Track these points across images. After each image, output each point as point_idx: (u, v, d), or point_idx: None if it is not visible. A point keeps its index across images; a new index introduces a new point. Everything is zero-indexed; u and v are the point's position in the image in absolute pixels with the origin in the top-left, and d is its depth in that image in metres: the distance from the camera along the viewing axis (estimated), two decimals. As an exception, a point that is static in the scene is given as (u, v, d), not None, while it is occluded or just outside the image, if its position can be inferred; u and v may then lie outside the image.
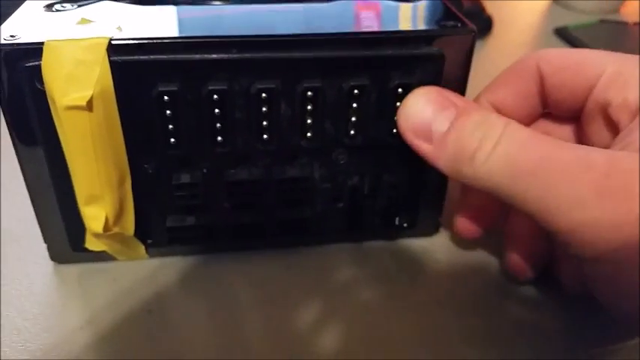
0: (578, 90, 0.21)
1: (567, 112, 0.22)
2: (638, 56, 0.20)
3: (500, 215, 0.24)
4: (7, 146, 0.21)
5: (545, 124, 0.23)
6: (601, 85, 0.20)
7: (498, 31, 0.48)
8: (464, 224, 0.24)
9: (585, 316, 0.22)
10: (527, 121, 0.22)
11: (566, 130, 0.22)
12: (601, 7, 0.54)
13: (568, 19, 0.51)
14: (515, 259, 0.23)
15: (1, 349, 0.20)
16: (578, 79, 0.21)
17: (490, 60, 0.45)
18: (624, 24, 0.51)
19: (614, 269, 0.17)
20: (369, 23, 0.21)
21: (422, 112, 0.20)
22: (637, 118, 0.18)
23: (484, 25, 0.47)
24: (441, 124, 0.19)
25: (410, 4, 0.23)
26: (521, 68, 0.22)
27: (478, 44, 0.47)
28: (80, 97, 0.18)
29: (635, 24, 0.51)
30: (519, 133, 0.18)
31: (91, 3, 0.22)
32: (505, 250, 0.24)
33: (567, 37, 0.48)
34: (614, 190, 0.16)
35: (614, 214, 0.16)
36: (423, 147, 0.20)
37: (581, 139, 0.22)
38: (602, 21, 0.51)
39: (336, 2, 0.23)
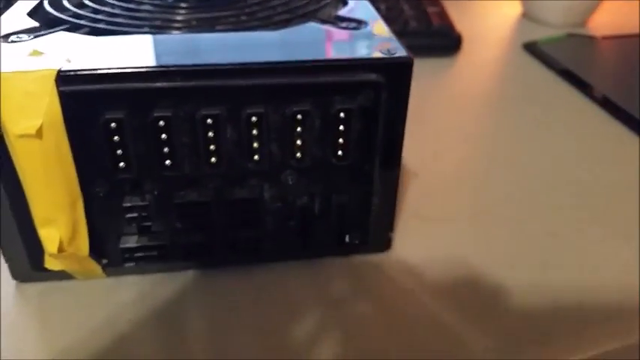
0: None
1: None
2: None
3: None
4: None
5: None
6: None
7: (468, 48, 0.49)
8: None
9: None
10: None
11: None
12: (568, 20, 0.55)
13: (537, 34, 0.52)
14: None
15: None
16: None
17: (461, 77, 0.46)
18: (592, 38, 0.52)
19: None
20: (312, 51, 0.22)
21: None
22: None
23: (453, 42, 0.48)
24: None
25: (353, 32, 0.24)
26: None
27: (448, 61, 0.49)
28: (30, 126, 0.19)
29: (603, 38, 0.52)
30: None
31: (46, 34, 0.23)
32: None
33: (536, 52, 0.49)
34: None
35: None
36: None
37: None
38: (570, 35, 0.52)
39: (281, 31, 0.24)
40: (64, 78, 0.19)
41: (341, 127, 0.22)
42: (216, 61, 0.21)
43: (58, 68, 0.19)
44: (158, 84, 0.20)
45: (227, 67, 0.20)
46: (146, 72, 0.20)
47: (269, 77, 0.21)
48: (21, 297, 0.24)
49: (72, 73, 0.20)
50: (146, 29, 0.24)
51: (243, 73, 0.20)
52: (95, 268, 0.24)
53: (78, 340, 0.22)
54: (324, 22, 0.25)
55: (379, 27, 0.25)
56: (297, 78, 0.21)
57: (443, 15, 0.49)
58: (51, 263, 0.23)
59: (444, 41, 0.47)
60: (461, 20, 0.51)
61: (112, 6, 0.26)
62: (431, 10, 0.48)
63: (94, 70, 0.20)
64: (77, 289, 0.24)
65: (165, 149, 0.21)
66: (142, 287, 0.24)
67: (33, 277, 0.24)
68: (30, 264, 0.24)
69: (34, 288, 0.25)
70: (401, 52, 0.22)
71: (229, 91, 0.20)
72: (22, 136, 0.20)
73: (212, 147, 0.21)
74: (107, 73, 0.20)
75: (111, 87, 0.20)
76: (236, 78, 0.20)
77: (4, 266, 0.24)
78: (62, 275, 0.24)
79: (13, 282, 0.25)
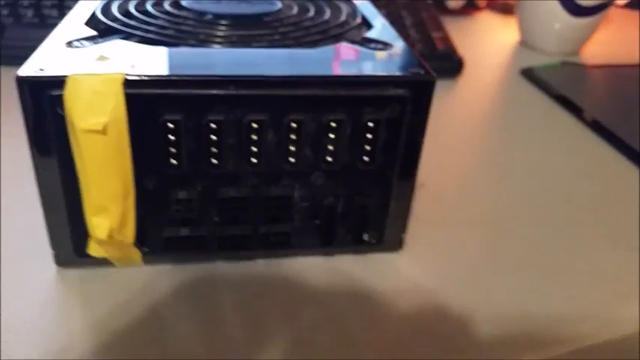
0: None
1: None
2: None
3: None
4: (23, 162, 0.24)
5: None
6: None
7: (469, 71, 0.53)
8: None
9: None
10: None
11: None
12: (562, 49, 0.58)
13: (533, 61, 0.55)
14: None
15: (1, 352, 0.22)
16: None
17: (462, 98, 0.49)
18: (584, 66, 0.56)
19: None
20: (347, 67, 0.25)
21: None
22: None
23: (456, 65, 0.51)
24: None
25: (384, 52, 0.27)
26: None
27: (451, 83, 0.52)
28: (97, 122, 0.22)
29: (593, 66, 0.56)
30: None
31: (105, 42, 0.25)
32: None
33: (533, 77, 0.52)
34: None
35: None
36: None
37: None
38: (564, 63, 0.56)
39: (318, 49, 0.27)
40: (129, 82, 0.22)
41: (368, 136, 0.25)
42: (263, 73, 0.23)
43: (124, 73, 0.22)
44: (213, 91, 0.22)
45: (274, 78, 0.23)
46: (203, 80, 0.22)
47: (311, 89, 0.23)
48: (63, 282, 0.26)
49: (137, 77, 0.22)
50: (192, 42, 0.27)
51: (288, 85, 0.23)
52: (136, 255, 0.26)
53: (121, 322, 0.24)
54: (353, 42, 0.28)
55: (403, 48, 0.27)
56: (334, 90, 0.24)
57: (446, 40, 0.52)
58: (95, 250, 0.26)
59: (447, 64, 0.50)
60: (462, 45, 0.55)
61: (160, 19, 0.29)
62: (435, 35, 0.51)
63: (157, 76, 0.22)
64: (116, 275, 0.27)
65: (214, 149, 0.23)
66: (178, 275, 0.27)
67: (74, 263, 0.26)
68: (74, 250, 0.26)
69: (75, 273, 0.27)
70: (425, 71, 0.25)
71: (275, 99, 0.23)
72: (88, 131, 0.22)
73: (254, 149, 0.24)
74: (169, 80, 0.22)
75: (172, 92, 0.22)
76: (282, 88, 0.23)
77: (42, 252, 0.26)
78: (102, 262, 0.26)
79: (54, 268, 0.27)
